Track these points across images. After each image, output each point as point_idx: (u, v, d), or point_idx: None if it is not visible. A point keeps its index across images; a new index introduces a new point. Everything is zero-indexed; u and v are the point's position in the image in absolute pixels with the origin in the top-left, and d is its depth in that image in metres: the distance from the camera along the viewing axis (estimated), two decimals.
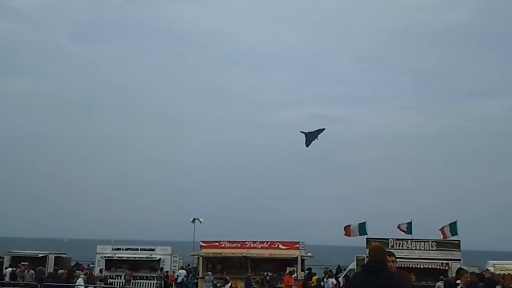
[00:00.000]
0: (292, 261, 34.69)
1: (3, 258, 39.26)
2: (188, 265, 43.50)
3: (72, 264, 42.24)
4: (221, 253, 36.38)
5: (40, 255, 38.68)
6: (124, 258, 38.68)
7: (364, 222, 35.73)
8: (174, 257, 39.42)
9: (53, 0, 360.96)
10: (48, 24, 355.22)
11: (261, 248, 35.93)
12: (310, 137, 42.24)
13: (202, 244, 37.02)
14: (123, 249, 39.92)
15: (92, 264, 41.08)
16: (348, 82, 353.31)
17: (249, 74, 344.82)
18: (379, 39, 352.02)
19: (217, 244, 36.73)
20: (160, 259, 38.43)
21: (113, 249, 39.75)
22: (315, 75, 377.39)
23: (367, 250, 31.19)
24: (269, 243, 36.30)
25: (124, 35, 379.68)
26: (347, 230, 36.39)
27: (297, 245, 35.41)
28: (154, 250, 39.11)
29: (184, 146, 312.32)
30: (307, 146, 42.53)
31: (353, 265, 33.84)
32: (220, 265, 36.59)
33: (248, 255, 35.47)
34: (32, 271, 32.89)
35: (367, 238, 31.12)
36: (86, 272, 35.87)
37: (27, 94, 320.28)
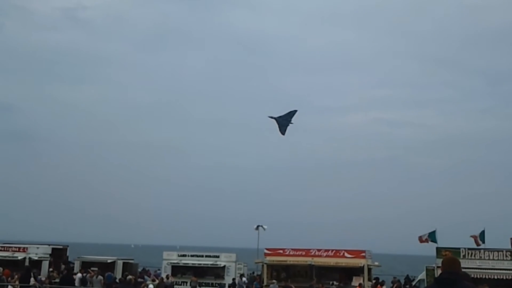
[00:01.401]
0: (358, 270, 33.95)
1: (73, 263, 40.48)
2: (253, 273, 43.42)
3: (139, 270, 43.02)
4: (285, 261, 36.07)
5: (108, 261, 39.67)
6: (189, 265, 39.06)
7: (434, 231, 34.55)
8: (238, 264, 39.42)
9: (118, 10, 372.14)
10: (114, 34, 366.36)
11: (326, 256, 35.36)
12: (282, 122, 39.42)
13: (266, 251, 36.85)
14: (188, 256, 40.33)
15: (159, 270, 41.68)
16: (414, 85, 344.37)
17: (311, 78, 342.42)
18: (447, 39, 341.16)
19: (281, 251, 36.47)
20: (224, 266, 38.53)
21: (178, 256, 40.23)
22: (379, 78, 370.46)
23: (438, 260, 30.16)
24: (334, 251, 35.68)
25: (187, 43, 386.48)
26: (420, 237, 35.36)
27: (364, 254, 34.61)
28: (218, 257, 39.26)
29: (247, 151, 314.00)
30: (283, 133, 39.80)
31: (422, 275, 32.74)
32: (284, 273, 36.31)
33: (313, 263, 34.99)
34: (101, 277, 33.65)
35: (437, 248, 30.11)
36: (153, 279, 36.44)
37: (95, 102, 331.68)
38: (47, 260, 39.50)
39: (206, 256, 39.84)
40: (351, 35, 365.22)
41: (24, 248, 40.34)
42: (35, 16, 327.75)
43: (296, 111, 40.42)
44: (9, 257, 39.56)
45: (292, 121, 40.33)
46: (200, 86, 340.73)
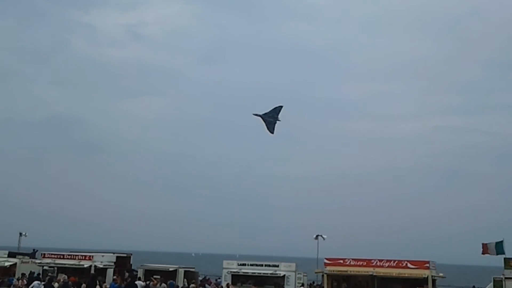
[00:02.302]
0: (422, 282, 32.95)
1: (137, 271, 41.40)
2: (313, 283, 43.04)
3: (200, 278, 43.51)
4: (346, 271, 35.48)
5: (170, 269, 40.37)
6: (249, 274, 39.10)
7: (502, 241, 33.21)
8: (298, 273, 39.18)
9: (177, 25, 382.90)
10: (175, 48, 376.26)
11: (388, 267, 34.52)
12: (269, 120, 38.49)
13: (326, 261, 36.41)
14: (248, 265, 40.42)
15: (219, 279, 42.04)
16: (477, 91, 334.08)
17: (367, 86, 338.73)
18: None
19: (341, 261, 35.92)
20: (284, 275, 38.38)
21: (238, 264, 40.40)
22: (440, 84, 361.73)
23: (506, 271, 29.01)
24: (396, 261, 34.80)
25: (245, 55, 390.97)
26: (485, 248, 34.01)
27: (427, 264, 33.57)
28: (278, 266, 39.18)
29: (303, 162, 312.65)
30: (272, 132, 38.78)
31: (490, 287, 31.54)
32: (345, 283, 35.75)
33: (374, 274, 34.30)
34: (164, 284, 34.26)
35: (505, 258, 28.95)
36: (214, 287, 36.75)
37: (159, 114, 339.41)
38: (111, 268, 40.60)
39: (265, 265, 39.82)
40: (407, 41, 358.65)
41: (89, 256, 41.60)
42: (99, 33, 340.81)
43: (281, 107, 40.02)
44: (76, 265, 40.96)
45: (279, 118, 39.69)
46: (257, 98, 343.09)
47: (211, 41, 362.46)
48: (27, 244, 57.88)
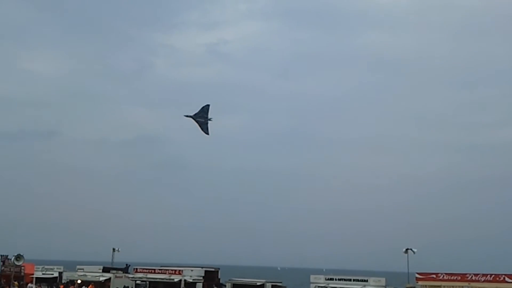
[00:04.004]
0: None
1: (225, 285, 41.91)
2: None
3: None
4: (439, 286, 34.23)
5: (258, 283, 40.57)
6: None
7: None
8: None
9: (256, 42, 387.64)
10: (254, 64, 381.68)
11: (485, 281, 33.03)
12: (200, 121, 37.05)
13: (418, 276, 35.34)
14: (336, 279, 39.80)
15: None
16: None
17: (455, 94, 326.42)
18: None
19: (434, 276, 34.74)
20: None
21: (326, 279, 39.89)
22: None
23: None
24: (493, 275, 33.25)
25: (323, 68, 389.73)
26: None
27: None
28: (367, 281, 38.25)
29: (386, 171, 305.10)
30: (206, 133, 37.33)
31: None
32: None
33: None
34: None
35: None
36: None
37: (238, 129, 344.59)
38: (200, 282, 41.36)
39: (354, 280, 39.04)
40: (496, 44, 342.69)
41: (179, 270, 42.58)
42: (181, 53, 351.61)
43: (208, 105, 39.38)
44: (166, 279, 42.13)
45: (210, 118, 38.72)
46: (335, 111, 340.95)
47: (288, 55, 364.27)
48: (120, 259, 60.10)
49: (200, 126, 41.89)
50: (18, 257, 40.97)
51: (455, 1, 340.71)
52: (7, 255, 49.31)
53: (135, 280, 44.77)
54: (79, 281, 46.70)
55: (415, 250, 46.14)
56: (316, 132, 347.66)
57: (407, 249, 46.35)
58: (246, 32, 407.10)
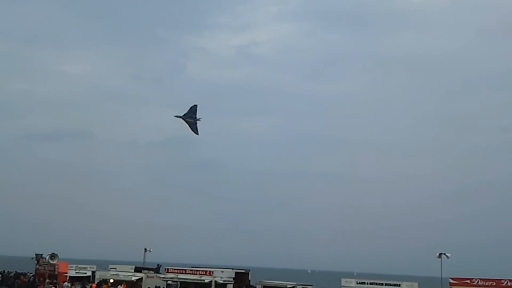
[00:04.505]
0: None
1: (255, 287, 41.97)
2: None
3: None
4: None
5: (288, 286, 40.56)
6: None
7: None
8: None
9: (287, 43, 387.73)
10: (285, 66, 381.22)
11: None
12: (189, 121, 36.48)
13: (451, 281, 34.75)
14: (367, 283, 39.44)
15: None
16: None
17: (490, 95, 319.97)
18: None
19: (468, 281, 34.08)
20: None
21: (357, 283, 39.54)
22: None
23: None
24: None
25: (356, 69, 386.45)
26: None
27: None
28: (400, 286, 37.78)
29: (426, 175, 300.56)
30: (196, 133, 36.77)
31: None
32: None
33: None
34: None
35: None
36: None
37: (268, 131, 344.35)
38: (231, 283, 41.47)
39: (386, 284, 38.58)
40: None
41: (210, 271, 42.75)
42: (212, 55, 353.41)
43: (196, 105, 39.06)
44: (197, 280, 42.32)
45: (198, 118, 38.37)
46: (365, 113, 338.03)
47: (320, 56, 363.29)
48: (151, 259, 60.70)
49: (190, 126, 42.63)
50: (53, 256, 41.65)
51: (488, 1, 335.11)
52: (42, 254, 50.41)
53: (167, 280, 45.13)
54: (111, 280, 47.32)
55: (448, 255, 45.27)
56: (347, 135, 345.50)
57: (440, 254, 45.53)
58: (276, 34, 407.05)
